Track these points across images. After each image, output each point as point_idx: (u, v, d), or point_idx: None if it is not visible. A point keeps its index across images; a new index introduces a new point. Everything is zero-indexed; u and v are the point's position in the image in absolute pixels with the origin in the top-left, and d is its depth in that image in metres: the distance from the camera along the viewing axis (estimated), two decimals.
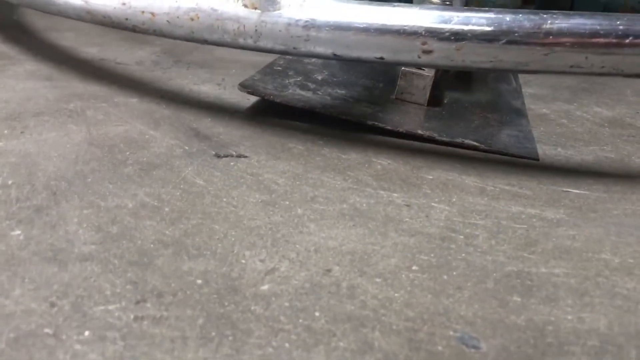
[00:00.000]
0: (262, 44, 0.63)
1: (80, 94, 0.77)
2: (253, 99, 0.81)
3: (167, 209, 0.52)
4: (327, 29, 0.60)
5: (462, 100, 0.85)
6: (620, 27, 0.56)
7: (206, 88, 0.84)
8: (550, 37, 0.56)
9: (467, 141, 0.70)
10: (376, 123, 0.70)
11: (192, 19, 0.64)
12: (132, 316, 0.39)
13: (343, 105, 0.74)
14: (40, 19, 1.14)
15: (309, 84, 0.78)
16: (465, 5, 0.91)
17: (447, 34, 0.58)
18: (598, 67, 0.57)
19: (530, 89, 0.98)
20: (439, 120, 0.75)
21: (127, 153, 0.61)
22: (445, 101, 0.83)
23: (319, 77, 0.81)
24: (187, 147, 0.64)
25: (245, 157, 0.63)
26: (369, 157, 0.66)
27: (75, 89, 0.78)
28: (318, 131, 0.71)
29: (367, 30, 0.60)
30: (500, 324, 0.41)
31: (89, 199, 0.52)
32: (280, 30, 0.62)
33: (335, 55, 0.62)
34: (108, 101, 0.75)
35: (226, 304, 0.41)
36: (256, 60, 0.92)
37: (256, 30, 0.62)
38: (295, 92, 0.75)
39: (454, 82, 0.92)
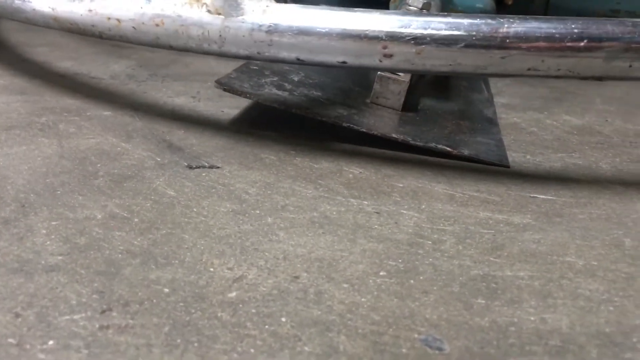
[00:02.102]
0: (226, 49, 0.64)
1: (53, 107, 0.77)
2: (228, 110, 0.82)
3: (136, 220, 0.52)
4: (290, 33, 0.61)
5: (436, 107, 0.86)
6: (575, 30, 0.57)
7: (180, 101, 0.84)
8: (507, 40, 0.58)
9: (439, 146, 0.70)
10: (351, 125, 0.70)
11: (157, 25, 0.65)
12: (97, 325, 0.39)
13: (319, 107, 0.74)
14: (14, 34, 1.14)
15: (285, 84, 0.79)
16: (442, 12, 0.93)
17: (407, 38, 0.59)
18: (554, 69, 0.59)
19: (503, 98, 1.00)
20: (412, 125, 0.76)
21: (98, 165, 0.61)
22: (419, 107, 0.84)
23: (295, 78, 0.82)
24: (159, 159, 0.64)
25: (217, 167, 0.63)
26: (341, 166, 0.66)
27: (48, 103, 0.78)
28: (291, 141, 0.72)
29: (329, 34, 0.61)
30: (464, 325, 0.42)
31: (57, 210, 0.52)
32: (243, 36, 0.62)
33: (299, 59, 0.62)
34: (81, 115, 0.75)
35: (192, 311, 0.41)
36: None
37: (220, 35, 0.63)
38: (271, 92, 0.75)
39: (429, 90, 0.93)
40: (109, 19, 0.68)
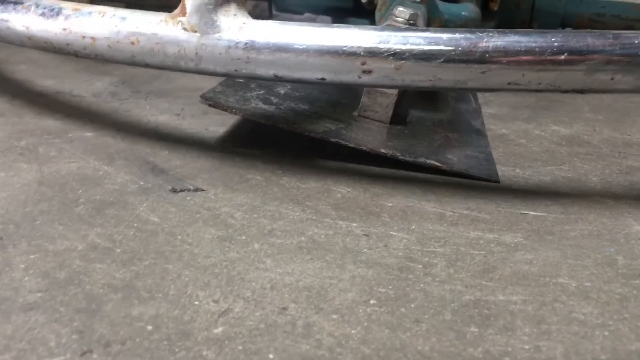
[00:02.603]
0: (203, 66, 0.63)
1: (33, 130, 0.75)
2: (213, 127, 0.80)
3: (118, 250, 0.50)
4: (267, 50, 0.60)
5: (425, 119, 0.85)
6: (555, 43, 0.57)
7: (164, 118, 0.83)
8: (487, 55, 0.57)
9: (429, 162, 0.70)
10: (339, 140, 0.69)
11: (132, 43, 0.64)
12: None
13: (306, 121, 0.73)
14: None
15: (272, 97, 0.77)
16: (428, 26, 0.92)
17: (386, 53, 0.58)
18: (535, 83, 0.58)
19: (490, 109, 1.00)
20: (401, 139, 0.75)
21: (79, 192, 0.60)
22: (408, 119, 0.83)
23: (282, 91, 0.80)
24: (142, 183, 0.63)
25: (202, 190, 0.62)
26: (328, 185, 0.65)
27: (28, 125, 0.76)
28: (277, 159, 0.71)
29: (306, 51, 0.60)
30: (457, 357, 0.40)
31: (36, 242, 0.51)
32: (220, 53, 0.61)
33: (276, 76, 0.61)
34: (62, 136, 0.73)
35: (177, 350, 0.39)
36: None
37: (197, 53, 0.62)
38: (257, 106, 0.74)
39: (417, 101, 0.92)
40: (83, 37, 0.66)
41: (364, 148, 0.69)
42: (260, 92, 0.77)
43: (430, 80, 0.59)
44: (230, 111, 0.70)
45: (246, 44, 0.61)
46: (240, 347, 0.40)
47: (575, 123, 0.94)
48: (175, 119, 0.83)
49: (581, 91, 0.60)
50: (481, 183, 0.69)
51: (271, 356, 0.39)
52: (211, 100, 0.71)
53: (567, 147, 0.83)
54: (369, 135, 0.74)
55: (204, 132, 0.79)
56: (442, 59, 0.58)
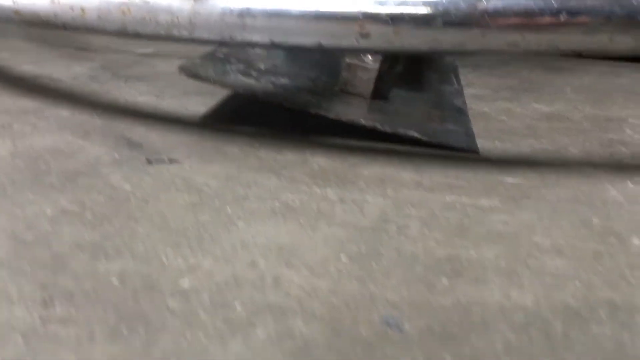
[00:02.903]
0: (197, 34, 0.62)
1: (9, 109, 0.74)
2: (192, 107, 0.80)
3: (88, 214, 0.50)
4: (263, 16, 0.60)
5: (406, 97, 0.85)
6: (555, 4, 0.56)
7: (143, 99, 0.82)
8: (486, 16, 0.56)
9: (408, 133, 0.69)
10: (318, 111, 0.69)
11: (123, 13, 0.63)
12: (37, 317, 0.36)
13: (285, 94, 0.72)
14: None
15: (252, 71, 0.77)
16: None
17: (384, 16, 0.57)
18: (534, 44, 0.58)
19: (473, 89, 1.00)
20: (382, 113, 0.75)
21: (52, 163, 0.59)
22: (389, 96, 0.82)
23: (262, 66, 0.80)
24: (116, 155, 0.62)
25: (178, 162, 0.61)
26: (306, 156, 0.65)
27: (4, 105, 0.76)
28: (256, 135, 0.70)
29: (303, 16, 0.59)
30: (426, 306, 0.40)
31: (5, 208, 0.50)
32: (215, 20, 0.60)
33: (273, 42, 0.61)
34: (37, 115, 0.73)
35: (142, 301, 0.39)
36: None
37: (190, 21, 0.61)
38: (236, 78, 0.73)
39: (399, 80, 0.92)
40: (72, 8, 0.65)
41: (343, 119, 0.69)
42: (240, 66, 0.77)
43: (429, 43, 0.58)
44: (208, 82, 0.69)
45: (242, 9, 0.60)
46: (206, 298, 0.39)
47: (557, 102, 0.94)
48: (154, 99, 0.83)
49: (579, 53, 0.59)
50: (460, 155, 0.69)
51: (238, 306, 0.39)
52: (189, 72, 0.70)
53: (548, 123, 0.83)
54: (349, 108, 0.74)
55: (184, 111, 0.79)
56: (441, 22, 0.57)
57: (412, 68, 1.04)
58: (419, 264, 0.45)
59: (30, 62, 0.98)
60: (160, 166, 0.60)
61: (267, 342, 0.36)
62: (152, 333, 0.36)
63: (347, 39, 0.59)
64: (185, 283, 0.41)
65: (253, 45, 0.62)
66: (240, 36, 0.61)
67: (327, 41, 0.60)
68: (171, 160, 0.61)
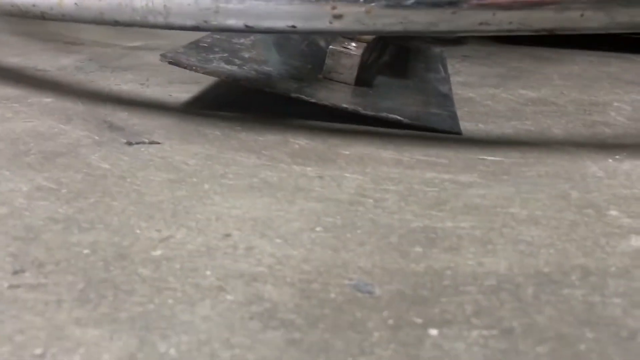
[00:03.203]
0: (172, 20, 0.62)
1: None
2: (176, 94, 0.80)
3: (64, 191, 0.50)
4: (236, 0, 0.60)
5: (391, 84, 0.85)
6: None
7: (128, 87, 0.82)
8: None
9: (391, 116, 0.69)
10: (300, 96, 0.68)
11: (100, 0, 0.63)
12: (6, 285, 0.36)
13: (268, 80, 0.72)
14: None
15: (235, 60, 0.77)
16: None
17: None
18: (506, 23, 0.58)
19: (459, 77, 1.00)
20: (365, 98, 0.75)
21: (31, 145, 0.59)
22: (373, 83, 0.82)
23: (246, 55, 0.80)
24: (97, 137, 0.62)
25: (158, 143, 0.61)
26: (287, 138, 0.65)
27: None
28: (238, 118, 0.70)
29: None
30: (398, 272, 0.40)
31: None
32: (189, 4, 0.61)
33: (247, 26, 0.61)
34: (20, 101, 0.73)
35: (112, 269, 0.39)
36: None
37: (165, 6, 0.61)
38: (219, 66, 0.73)
39: (385, 69, 0.92)
40: None
41: (326, 103, 0.69)
42: (224, 55, 0.77)
43: (402, 23, 0.58)
44: (190, 68, 0.69)
45: None
46: (177, 266, 0.39)
47: (544, 88, 0.94)
48: (139, 87, 0.83)
49: (552, 31, 0.59)
50: (443, 136, 0.69)
51: (208, 273, 0.39)
52: (172, 59, 0.70)
53: (533, 107, 0.83)
54: (332, 94, 0.74)
55: (167, 97, 0.79)
56: (413, 1, 0.57)
57: (399, 58, 1.04)
58: (394, 234, 0.45)
59: (16, 54, 0.99)
60: (139, 147, 0.60)
61: (235, 305, 0.36)
62: (120, 298, 0.36)
63: (320, 20, 0.60)
64: (157, 252, 0.41)
65: (227, 30, 0.62)
66: (215, 21, 0.61)
67: (301, 24, 0.60)
68: (151, 142, 0.61)
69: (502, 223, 0.47)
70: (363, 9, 0.58)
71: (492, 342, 0.33)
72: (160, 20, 0.63)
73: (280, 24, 0.61)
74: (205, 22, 0.62)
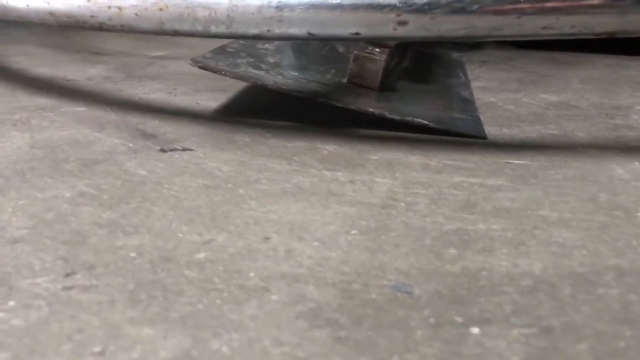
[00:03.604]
0: (234, 29, 0.62)
1: (26, 106, 0.76)
2: (203, 102, 0.82)
3: (105, 197, 0.51)
4: (300, 8, 0.60)
5: (413, 89, 0.86)
6: None
7: (156, 96, 0.84)
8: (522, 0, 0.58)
9: (417, 120, 0.70)
10: (328, 100, 0.70)
11: (161, 10, 0.64)
12: (60, 286, 0.38)
13: (295, 84, 0.74)
14: None
15: (262, 64, 0.78)
16: None
17: (421, 3, 0.59)
18: (568, 27, 0.58)
19: (479, 82, 1.01)
20: (389, 103, 0.76)
21: (69, 152, 0.61)
22: (396, 88, 0.84)
23: (272, 60, 0.81)
24: (131, 145, 0.64)
25: (191, 150, 0.63)
26: (315, 144, 0.66)
27: (22, 103, 0.78)
28: (265, 125, 0.72)
29: (340, 6, 0.60)
30: (434, 272, 0.41)
31: (25, 192, 0.52)
32: (252, 13, 0.61)
33: (310, 34, 0.61)
34: (54, 111, 0.75)
35: (159, 271, 0.40)
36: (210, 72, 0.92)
37: (228, 15, 0.62)
38: (247, 70, 0.74)
39: (406, 75, 0.93)
40: (109, 7, 0.66)
41: (352, 107, 0.70)
42: (250, 60, 0.79)
43: (466, 28, 0.59)
44: (219, 73, 0.71)
45: (279, 2, 0.61)
46: (221, 268, 0.41)
47: (564, 92, 0.95)
48: (167, 96, 0.85)
49: (613, 34, 0.60)
50: (467, 140, 0.70)
51: (252, 274, 0.40)
52: (201, 64, 0.72)
53: (555, 111, 0.84)
54: (358, 98, 0.75)
55: (195, 105, 0.80)
56: (477, 6, 0.58)
57: (419, 63, 1.06)
58: (427, 236, 0.46)
59: (45, 65, 1.01)
60: (173, 154, 0.62)
61: (280, 304, 0.37)
62: (169, 298, 0.37)
63: (384, 27, 0.60)
64: (200, 255, 0.42)
65: (289, 38, 0.63)
66: (278, 29, 0.62)
67: (365, 31, 0.61)
68: (184, 149, 0.63)
69: (533, 225, 0.48)
70: (428, 15, 0.59)
71: (532, 340, 0.34)
72: (222, 29, 0.63)
73: (344, 31, 0.61)
74: (269, 30, 0.62)
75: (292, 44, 0.92)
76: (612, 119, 0.80)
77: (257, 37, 0.64)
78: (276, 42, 0.90)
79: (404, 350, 0.33)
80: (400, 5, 0.59)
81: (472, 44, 1.36)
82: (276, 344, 0.33)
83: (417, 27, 0.60)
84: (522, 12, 0.58)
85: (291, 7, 0.61)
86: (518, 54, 1.29)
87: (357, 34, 0.61)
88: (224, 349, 0.33)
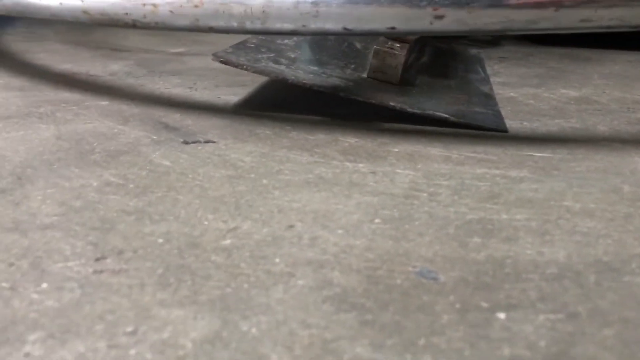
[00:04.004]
0: (269, 25, 0.63)
1: (51, 100, 0.78)
2: (224, 97, 0.82)
3: (131, 186, 0.52)
4: (336, 3, 0.60)
5: (433, 83, 0.86)
6: None
7: (177, 90, 0.85)
8: None
9: (437, 114, 0.70)
10: (348, 95, 0.70)
11: (196, 6, 0.64)
12: (91, 270, 0.39)
13: (316, 79, 0.74)
14: (14, 44, 1.16)
15: (282, 59, 0.79)
16: None
17: None
18: (607, 19, 0.58)
19: (499, 78, 1.00)
20: (409, 97, 0.76)
21: (95, 144, 0.62)
22: (416, 82, 0.84)
23: (292, 55, 0.82)
24: (155, 137, 0.65)
25: (213, 142, 0.64)
26: (336, 137, 0.66)
27: (46, 97, 0.79)
28: (287, 118, 0.72)
29: (377, 1, 0.60)
30: (459, 260, 0.41)
31: (53, 181, 0.53)
32: (288, 9, 0.61)
33: (346, 29, 0.61)
34: (79, 105, 0.76)
35: (186, 256, 0.41)
36: (230, 68, 0.93)
37: (263, 11, 0.62)
38: (268, 65, 0.75)
39: (425, 70, 0.93)
40: (144, 4, 0.66)
41: (373, 101, 0.71)
42: (271, 55, 0.79)
43: (502, 22, 0.59)
44: (240, 67, 0.72)
45: None
46: (247, 254, 0.41)
47: (585, 87, 0.94)
48: (187, 90, 0.85)
49: None
50: (488, 133, 0.70)
51: (277, 260, 0.41)
52: (223, 58, 0.72)
53: (576, 105, 0.83)
54: (379, 92, 0.75)
55: (216, 99, 0.81)
56: (514, 0, 0.58)
57: (437, 59, 1.06)
58: (451, 225, 0.46)
59: (67, 61, 1.02)
60: (196, 145, 0.62)
61: (307, 289, 0.37)
62: (198, 282, 0.38)
63: (421, 21, 0.60)
64: (226, 241, 0.43)
65: (325, 34, 0.63)
66: (314, 25, 0.62)
67: (401, 25, 0.61)
68: (207, 141, 0.64)
69: (557, 215, 0.48)
70: (465, 9, 0.59)
71: (559, 325, 0.34)
72: (257, 25, 0.63)
73: (380, 26, 0.61)
74: (304, 26, 0.62)
75: (311, 39, 0.92)
76: (633, 113, 0.80)
77: (293, 33, 0.63)
78: (295, 38, 0.90)
79: (430, 334, 0.33)
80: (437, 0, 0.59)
81: (490, 41, 1.35)
82: (304, 326, 0.34)
83: (454, 21, 0.60)
84: (559, 5, 0.58)
85: (327, 2, 0.61)
86: (537, 50, 1.28)
87: (393, 28, 0.61)
88: (253, 330, 0.33)
